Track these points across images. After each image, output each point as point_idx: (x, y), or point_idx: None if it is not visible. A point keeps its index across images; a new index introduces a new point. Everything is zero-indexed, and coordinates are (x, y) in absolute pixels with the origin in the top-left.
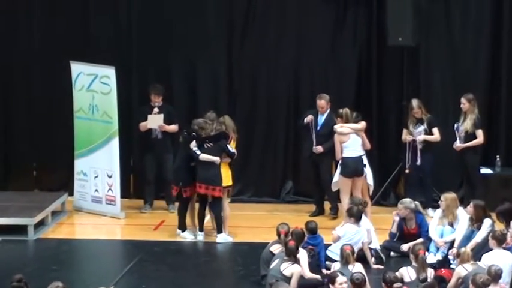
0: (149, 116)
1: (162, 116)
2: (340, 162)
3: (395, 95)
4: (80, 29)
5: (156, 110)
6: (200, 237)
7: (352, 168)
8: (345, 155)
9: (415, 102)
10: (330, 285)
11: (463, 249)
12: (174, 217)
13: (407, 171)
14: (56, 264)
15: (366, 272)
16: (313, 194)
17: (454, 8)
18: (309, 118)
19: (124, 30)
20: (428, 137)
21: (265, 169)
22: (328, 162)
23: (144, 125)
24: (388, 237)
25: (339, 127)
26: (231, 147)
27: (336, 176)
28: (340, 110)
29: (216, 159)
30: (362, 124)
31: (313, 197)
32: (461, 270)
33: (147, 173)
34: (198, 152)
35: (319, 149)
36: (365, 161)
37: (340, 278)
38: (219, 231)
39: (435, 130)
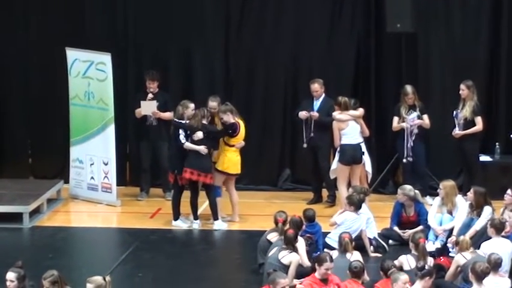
0: (142, 102)
1: (155, 102)
2: (338, 149)
3: (393, 82)
4: (76, 15)
5: (150, 96)
6: (195, 225)
7: (351, 156)
8: (343, 142)
9: (409, 88)
10: (317, 266)
11: (461, 237)
12: (170, 205)
13: (404, 160)
14: (51, 252)
15: (364, 261)
16: (311, 181)
17: None
18: (303, 115)
19: (120, 17)
20: (424, 122)
21: (263, 157)
22: (326, 149)
23: (139, 112)
24: (387, 225)
25: (338, 114)
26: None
27: (335, 164)
28: (340, 98)
29: (200, 148)
30: (360, 111)
31: (311, 184)
32: (460, 258)
33: (142, 160)
34: (183, 141)
35: (314, 114)
36: (363, 148)
37: (328, 264)
38: (215, 218)
39: (425, 117)
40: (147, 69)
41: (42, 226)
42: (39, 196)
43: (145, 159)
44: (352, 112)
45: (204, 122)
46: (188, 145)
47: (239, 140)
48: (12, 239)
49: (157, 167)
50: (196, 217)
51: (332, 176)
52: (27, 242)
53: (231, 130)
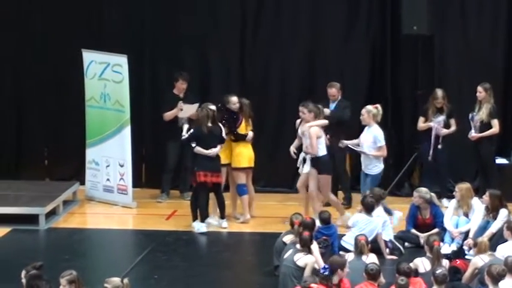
0: (185, 105)
1: (197, 105)
2: (318, 161)
3: (410, 85)
4: (92, 17)
5: (180, 104)
6: (202, 228)
7: (331, 165)
8: (322, 152)
9: (439, 92)
10: (339, 271)
11: (480, 239)
12: (186, 207)
13: (430, 158)
14: (67, 254)
15: (380, 263)
16: None
17: None
18: None
19: (137, 19)
20: (449, 131)
21: (278, 158)
22: (342, 153)
23: (169, 115)
24: (403, 227)
25: (309, 127)
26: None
27: (307, 167)
28: (311, 106)
29: (208, 152)
30: (326, 120)
31: None
32: (478, 260)
33: (168, 161)
34: (193, 145)
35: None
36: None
37: (340, 274)
38: (223, 216)
39: (452, 121)
40: (163, 71)
41: (58, 228)
42: (55, 198)
43: (172, 161)
44: (321, 122)
45: (209, 124)
46: (198, 149)
47: (242, 130)
48: (28, 241)
49: (180, 168)
50: (203, 220)
51: (302, 185)
52: (43, 243)
53: (232, 122)
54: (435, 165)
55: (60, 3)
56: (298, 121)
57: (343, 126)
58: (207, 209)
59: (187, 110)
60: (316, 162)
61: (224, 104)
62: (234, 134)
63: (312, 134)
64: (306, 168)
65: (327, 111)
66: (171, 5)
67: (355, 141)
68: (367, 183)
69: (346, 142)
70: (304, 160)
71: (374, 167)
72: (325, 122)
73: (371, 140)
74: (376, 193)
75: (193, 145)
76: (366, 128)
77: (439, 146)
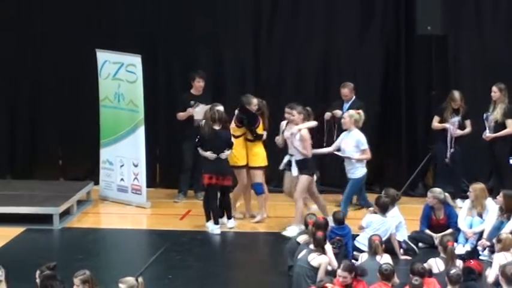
0: (200, 106)
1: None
2: (303, 162)
3: (424, 85)
4: (107, 17)
5: (196, 104)
6: (216, 230)
7: (314, 167)
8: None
9: (457, 94)
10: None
11: (504, 235)
12: (201, 207)
13: (447, 160)
14: (81, 254)
15: (394, 263)
16: (340, 184)
17: None
18: (328, 116)
19: (151, 19)
20: (463, 133)
21: None
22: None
23: (182, 115)
24: (416, 228)
25: (299, 130)
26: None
27: (295, 170)
28: (299, 108)
29: (207, 154)
30: (315, 122)
31: (340, 187)
32: (501, 257)
33: (185, 161)
34: (200, 150)
35: (338, 113)
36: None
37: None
38: (230, 216)
39: (468, 122)
40: (177, 70)
41: (72, 227)
42: (69, 198)
43: (188, 161)
44: (311, 123)
45: (216, 127)
46: (202, 153)
47: (260, 130)
48: (42, 240)
49: (195, 167)
50: (217, 221)
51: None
52: (57, 243)
53: (252, 122)
54: (450, 165)
55: (75, 3)
56: (283, 123)
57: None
58: (218, 210)
59: (201, 111)
60: (302, 163)
61: (243, 104)
62: (254, 135)
63: (305, 136)
64: (294, 172)
65: (338, 113)
66: (186, 5)
67: (329, 148)
68: (349, 186)
69: (317, 151)
70: (289, 163)
71: (357, 171)
72: (315, 123)
73: (353, 144)
74: (391, 194)
75: (200, 150)
76: (345, 133)
77: (451, 150)
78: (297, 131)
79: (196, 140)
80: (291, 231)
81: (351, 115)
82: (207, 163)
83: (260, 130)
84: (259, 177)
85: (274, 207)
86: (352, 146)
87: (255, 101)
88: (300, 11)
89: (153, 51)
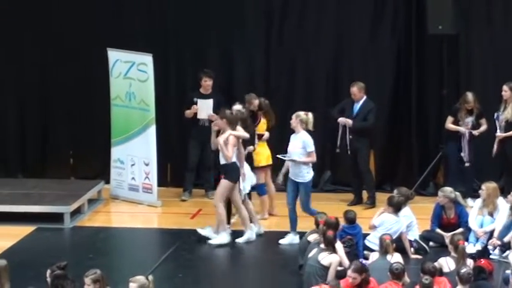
0: (199, 101)
1: (211, 101)
2: (227, 167)
3: (435, 84)
4: (118, 16)
5: (198, 102)
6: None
7: (239, 174)
8: (233, 159)
9: (470, 96)
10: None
11: None
12: (211, 206)
13: (467, 164)
14: (92, 253)
15: (404, 262)
16: (351, 183)
17: None
18: (342, 121)
19: (161, 17)
20: (480, 130)
21: None
22: (366, 151)
23: (187, 113)
24: (427, 227)
25: (229, 135)
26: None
27: (248, 170)
28: (228, 111)
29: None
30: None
31: (351, 186)
32: None
33: (190, 160)
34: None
35: (348, 122)
36: None
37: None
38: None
39: (483, 121)
40: (188, 70)
41: (83, 226)
42: (80, 196)
43: (193, 160)
44: (241, 134)
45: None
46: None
47: (260, 129)
48: (53, 239)
49: (202, 167)
50: (228, 221)
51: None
52: (68, 242)
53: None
54: (461, 165)
55: (86, 2)
56: (215, 128)
57: (366, 130)
58: (230, 211)
59: (203, 107)
60: (225, 167)
61: (245, 103)
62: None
63: (231, 140)
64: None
65: (349, 122)
66: (196, 4)
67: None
68: (301, 193)
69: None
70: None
71: (305, 174)
72: (246, 135)
73: (300, 146)
74: (404, 192)
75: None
76: (293, 135)
77: (466, 153)
78: (228, 135)
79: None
80: (208, 230)
81: (297, 115)
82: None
83: (261, 129)
84: (261, 177)
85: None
86: (298, 148)
87: (256, 102)
88: (310, 10)
89: (164, 50)
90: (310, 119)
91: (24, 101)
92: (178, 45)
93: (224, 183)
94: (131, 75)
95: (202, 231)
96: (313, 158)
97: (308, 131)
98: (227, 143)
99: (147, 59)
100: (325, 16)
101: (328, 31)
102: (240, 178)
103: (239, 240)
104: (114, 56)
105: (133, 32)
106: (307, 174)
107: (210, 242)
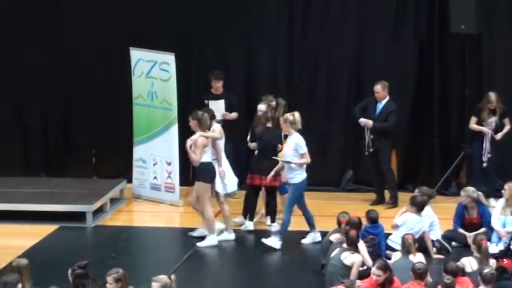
0: (211, 102)
1: (222, 101)
2: (201, 167)
3: (457, 84)
4: (140, 15)
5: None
6: (250, 226)
7: (214, 174)
8: (204, 159)
9: (493, 96)
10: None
11: None
12: (233, 205)
13: (484, 165)
14: (114, 252)
15: (427, 262)
16: (373, 182)
17: None
18: (363, 122)
19: (184, 17)
20: (504, 132)
21: (326, 158)
22: (387, 151)
23: None
24: (450, 227)
25: (199, 136)
26: None
27: (229, 171)
28: (200, 112)
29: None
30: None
31: (374, 185)
32: None
33: None
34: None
35: (368, 123)
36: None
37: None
38: (274, 220)
39: (506, 120)
40: (210, 69)
41: (105, 225)
42: (102, 195)
43: None
44: (211, 134)
45: (269, 125)
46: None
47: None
48: (76, 238)
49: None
50: (252, 218)
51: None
52: (90, 241)
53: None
54: (483, 165)
55: (108, 2)
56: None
57: (387, 131)
58: (254, 209)
59: (214, 108)
60: (198, 169)
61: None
62: None
63: (199, 142)
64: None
65: (369, 123)
66: (219, 3)
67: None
68: (289, 192)
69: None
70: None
71: (296, 176)
72: (217, 136)
73: (292, 148)
74: (426, 192)
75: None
76: (288, 138)
77: (489, 155)
78: (197, 137)
79: (248, 137)
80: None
81: (285, 119)
82: (252, 163)
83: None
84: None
85: (310, 205)
86: (291, 150)
87: (273, 103)
88: (332, 9)
89: (187, 49)
90: (298, 118)
91: (47, 100)
92: (201, 44)
93: (198, 185)
94: (153, 75)
95: (195, 234)
96: (307, 159)
97: (299, 130)
98: (195, 145)
99: (170, 58)
100: (347, 15)
101: (350, 30)
102: (218, 178)
103: (200, 244)
104: (137, 55)
105: (156, 31)
106: (297, 176)
107: (198, 244)
